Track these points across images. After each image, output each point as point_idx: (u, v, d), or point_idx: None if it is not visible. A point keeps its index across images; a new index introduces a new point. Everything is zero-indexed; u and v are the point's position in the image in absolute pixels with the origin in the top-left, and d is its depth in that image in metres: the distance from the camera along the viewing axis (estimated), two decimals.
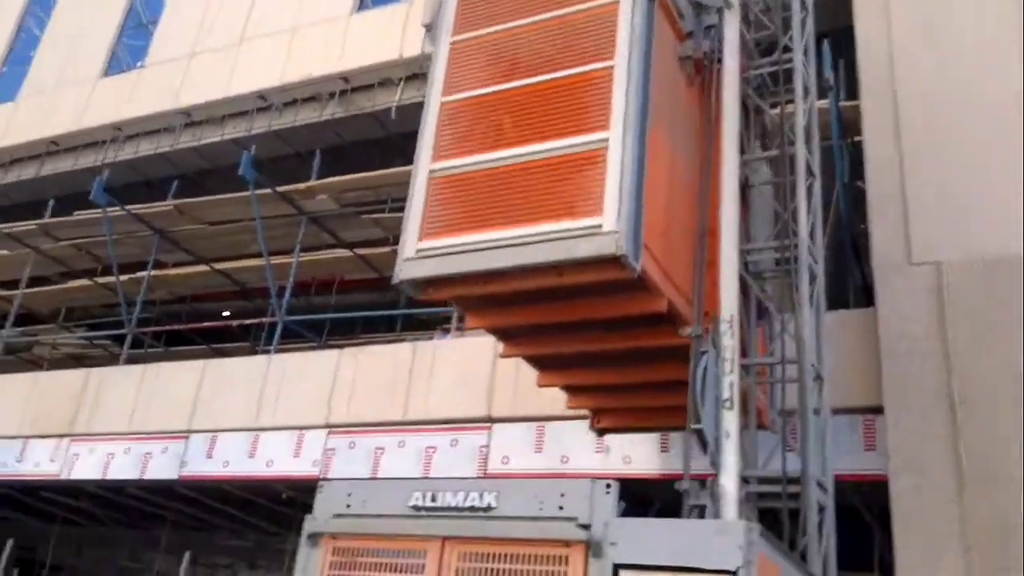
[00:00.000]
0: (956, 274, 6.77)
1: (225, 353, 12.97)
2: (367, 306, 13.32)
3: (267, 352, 11.08)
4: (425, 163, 5.60)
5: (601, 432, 7.17)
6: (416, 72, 12.05)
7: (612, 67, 5.19)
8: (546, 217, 5.02)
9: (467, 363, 9.08)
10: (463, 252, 5.20)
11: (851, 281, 8.62)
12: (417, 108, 11.47)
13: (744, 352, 5.63)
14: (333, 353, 10.21)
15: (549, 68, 5.42)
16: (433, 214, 5.43)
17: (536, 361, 6.48)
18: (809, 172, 6.29)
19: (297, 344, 12.57)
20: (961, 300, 6.67)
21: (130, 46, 16.07)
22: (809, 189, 6.21)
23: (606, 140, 5.03)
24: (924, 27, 7.80)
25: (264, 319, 12.81)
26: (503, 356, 6.37)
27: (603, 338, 5.78)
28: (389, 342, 11.28)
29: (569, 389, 6.80)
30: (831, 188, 8.04)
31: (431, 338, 10.42)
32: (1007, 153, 7.03)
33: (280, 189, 11.98)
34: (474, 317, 5.97)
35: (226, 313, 15.16)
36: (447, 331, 10.14)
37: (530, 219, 5.07)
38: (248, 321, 13.50)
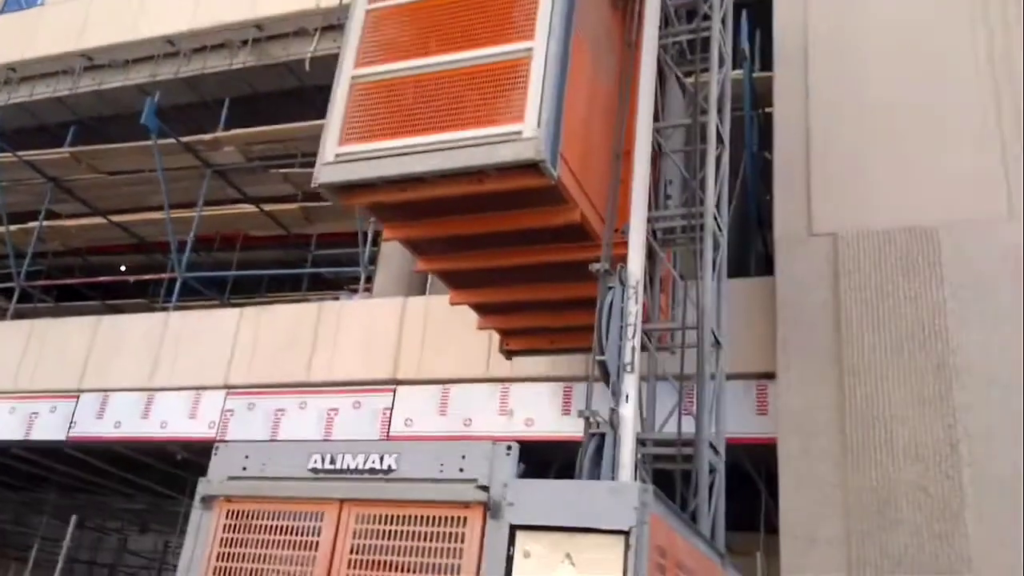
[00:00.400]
0: (851, 245, 6.86)
1: (120, 310, 12.48)
2: (272, 264, 13.00)
3: (165, 310, 10.70)
4: (348, 69, 5.61)
5: (510, 355, 7.29)
6: (333, 23, 11.69)
7: None
8: (468, 124, 5.09)
9: (373, 324, 8.91)
10: (383, 157, 5.22)
11: (754, 250, 8.79)
12: (333, 60, 11.29)
13: (647, 317, 5.68)
14: (234, 312, 9.90)
15: None
16: (354, 119, 5.44)
17: (449, 277, 6.56)
18: (719, 141, 6.32)
19: (198, 302, 12.18)
20: (854, 271, 6.76)
21: None
22: (718, 158, 6.24)
23: (530, 49, 5.13)
24: (840, 3, 7.88)
25: (163, 275, 12.35)
26: (417, 271, 6.65)
27: (517, 252, 5.93)
28: (295, 301, 11.03)
29: (480, 308, 6.87)
30: (740, 158, 8.11)
31: (337, 298, 10.21)
32: (909, 127, 7.13)
33: (184, 139, 11.52)
34: (391, 228, 6.03)
35: (123, 268, 14.57)
36: (354, 291, 9.95)
37: (452, 126, 5.13)
38: (146, 277, 12.99)
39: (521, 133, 4.93)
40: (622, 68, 6.29)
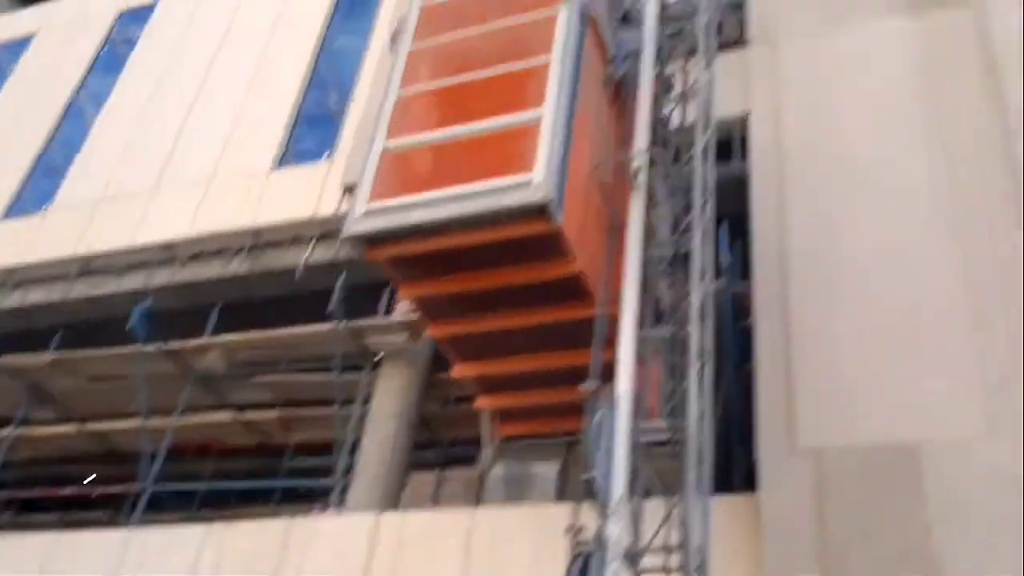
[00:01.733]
0: (836, 462, 6.62)
1: (80, 524, 11.62)
2: (246, 474, 12.26)
3: (128, 525, 9.92)
4: (380, 143, 6.39)
5: (505, 440, 7.71)
6: (329, 231, 11.73)
7: (549, 59, 6.25)
8: (483, 175, 5.85)
9: (344, 546, 8.20)
10: (407, 209, 5.93)
11: (737, 464, 8.23)
12: (326, 268, 11.22)
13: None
14: (198, 531, 9.17)
15: (495, 63, 6.49)
16: (383, 180, 6.20)
17: (457, 345, 6.98)
18: (701, 354, 6.15)
19: (164, 516, 11.36)
20: (840, 489, 6.50)
21: (36, 188, 15.49)
22: (701, 371, 6.04)
23: (540, 115, 5.96)
24: (819, 220, 7.87)
25: (129, 487, 11.61)
26: (430, 335, 7.15)
27: (521, 313, 6.49)
28: (266, 516, 10.24)
29: (483, 382, 7.27)
30: (723, 369, 7.81)
31: (309, 512, 9.46)
32: (892, 340, 7.01)
33: (171, 346, 11.22)
34: (408, 287, 6.63)
35: (86, 481, 13.80)
36: (327, 506, 9.22)
37: (470, 179, 5.89)
38: (112, 490, 12.24)
39: (531, 181, 5.67)
40: (617, 151, 6.92)
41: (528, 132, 5.92)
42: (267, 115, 13.62)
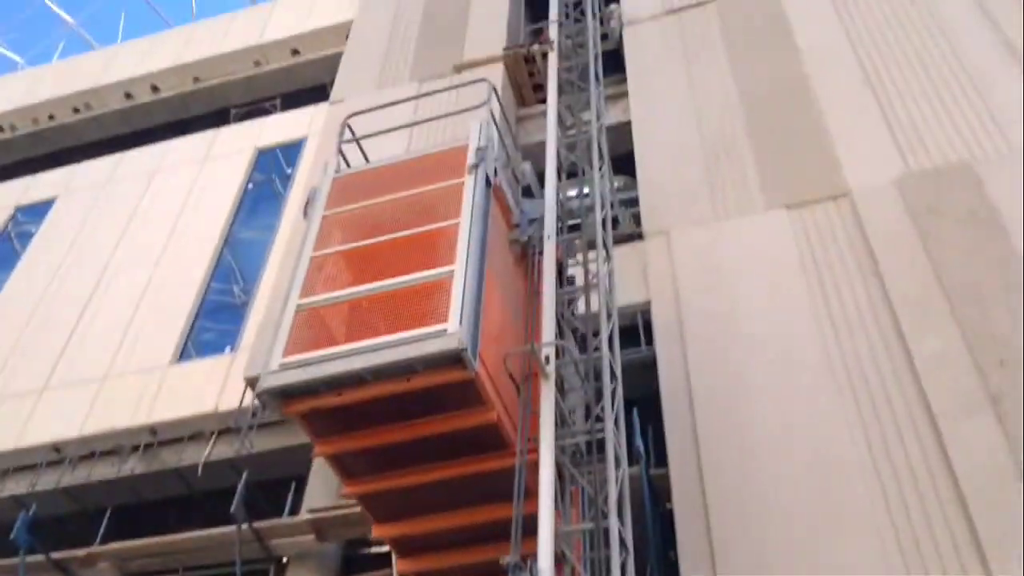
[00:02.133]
0: None
1: None
2: None
3: None
4: (293, 301, 6.45)
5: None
6: (230, 426, 11.35)
7: (458, 222, 6.52)
8: (399, 328, 5.94)
9: None
10: (322, 362, 5.93)
11: None
12: (225, 464, 10.75)
13: None
14: None
15: (406, 226, 6.73)
16: (297, 336, 6.20)
17: (373, 503, 6.74)
18: (623, 547, 6.07)
19: None
20: None
21: None
22: (623, 566, 5.96)
23: (452, 271, 6.17)
24: (725, 396, 8.11)
25: None
26: (342, 495, 7.19)
27: (438, 467, 6.34)
28: None
29: (399, 544, 6.97)
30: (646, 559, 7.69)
31: None
32: (805, 521, 7.08)
33: (56, 556, 10.40)
34: (323, 444, 6.36)
35: None
36: None
37: (384, 331, 5.96)
38: None
39: (446, 330, 5.75)
40: (525, 307, 7.22)
41: (441, 286, 6.09)
42: (168, 307, 13.41)
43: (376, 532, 6.90)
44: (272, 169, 15.53)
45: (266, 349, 6.35)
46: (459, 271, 6.14)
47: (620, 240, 9.21)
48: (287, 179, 15.03)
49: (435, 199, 6.88)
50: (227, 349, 12.39)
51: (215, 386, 11.83)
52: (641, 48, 12.17)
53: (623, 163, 10.73)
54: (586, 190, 8.46)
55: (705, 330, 8.60)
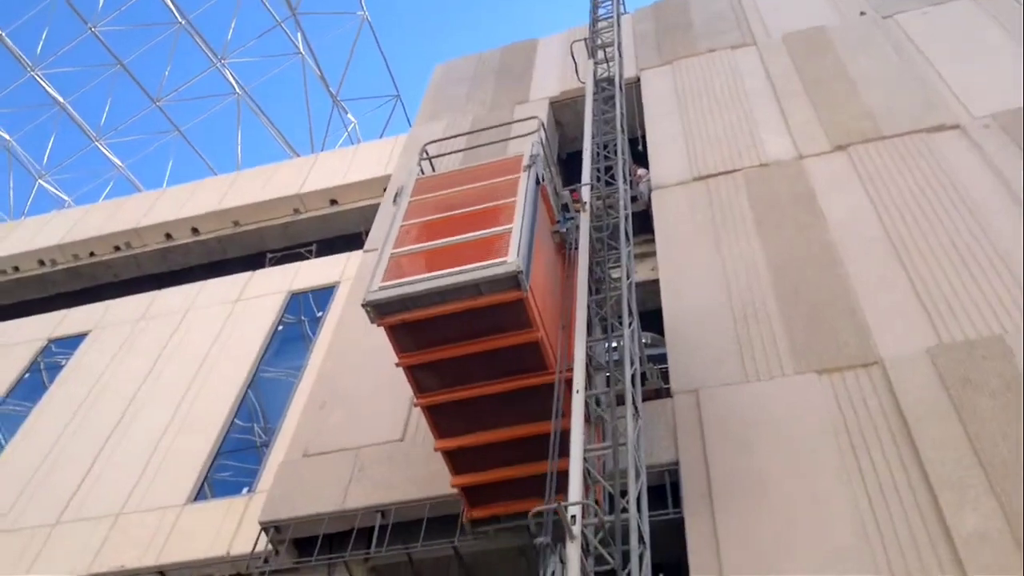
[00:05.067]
0: None
1: None
2: None
3: None
4: (388, 251, 8.26)
5: (473, 525, 8.72)
6: (241, 573, 11.02)
7: (515, 200, 8.35)
8: (471, 260, 7.65)
9: None
10: (410, 284, 7.67)
11: None
12: None
13: None
14: None
15: (475, 204, 8.63)
16: (392, 270, 7.96)
17: (438, 415, 8.26)
18: None
19: None
20: None
21: None
22: None
23: (510, 228, 7.93)
24: (754, 561, 7.79)
25: None
26: (415, 406, 8.37)
27: (492, 383, 7.99)
28: None
29: (456, 458, 8.44)
30: None
31: None
32: None
33: None
34: (404, 356, 7.96)
35: None
36: None
37: (460, 263, 7.68)
38: None
39: (506, 261, 7.51)
40: (563, 289, 9.02)
41: (501, 238, 7.81)
42: (188, 446, 13.33)
43: (438, 446, 8.34)
44: (303, 311, 15.78)
45: (366, 282, 8.10)
46: (515, 229, 7.83)
47: (648, 397, 9.15)
48: (316, 322, 15.23)
49: (496, 191, 8.65)
50: (244, 490, 12.22)
51: (229, 529, 11.58)
52: (670, 211, 12.49)
53: (650, 320, 10.81)
54: (614, 344, 8.54)
55: (734, 494, 8.38)
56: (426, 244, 8.23)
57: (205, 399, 14.18)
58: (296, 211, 19.77)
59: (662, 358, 10.14)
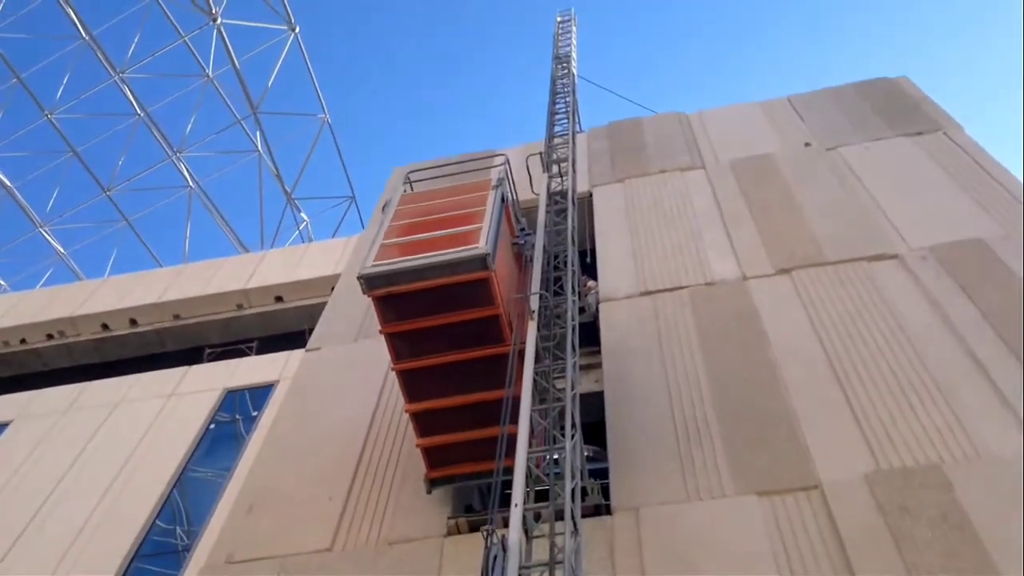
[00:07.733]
0: None
1: None
2: None
3: None
4: (378, 242, 9.68)
5: (433, 484, 9.71)
6: None
7: (484, 209, 9.91)
8: (448, 247, 9.16)
9: None
10: (399, 263, 9.16)
11: None
12: None
13: None
14: None
15: (451, 211, 10.20)
16: (381, 254, 9.40)
17: (409, 382, 9.53)
18: None
19: None
20: None
21: None
22: None
23: (479, 227, 9.45)
24: None
25: None
26: (392, 369, 9.54)
27: (457, 352, 9.31)
28: None
29: (423, 420, 9.60)
30: None
31: None
32: None
33: None
34: (387, 325, 9.29)
35: None
36: None
37: (437, 250, 9.16)
38: None
39: (477, 246, 9.06)
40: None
41: (473, 232, 9.32)
42: (104, 547, 12.64)
43: (408, 408, 9.53)
44: (238, 409, 15.33)
45: (359, 262, 9.59)
46: (484, 226, 9.36)
47: (587, 513, 8.93)
48: (252, 420, 14.79)
49: (469, 202, 10.25)
50: None
51: None
52: (616, 323, 12.55)
53: (592, 431, 10.68)
54: (555, 456, 8.37)
55: None
56: (410, 237, 9.76)
57: (127, 498, 13.54)
58: (240, 306, 19.47)
59: (604, 472, 9.97)
